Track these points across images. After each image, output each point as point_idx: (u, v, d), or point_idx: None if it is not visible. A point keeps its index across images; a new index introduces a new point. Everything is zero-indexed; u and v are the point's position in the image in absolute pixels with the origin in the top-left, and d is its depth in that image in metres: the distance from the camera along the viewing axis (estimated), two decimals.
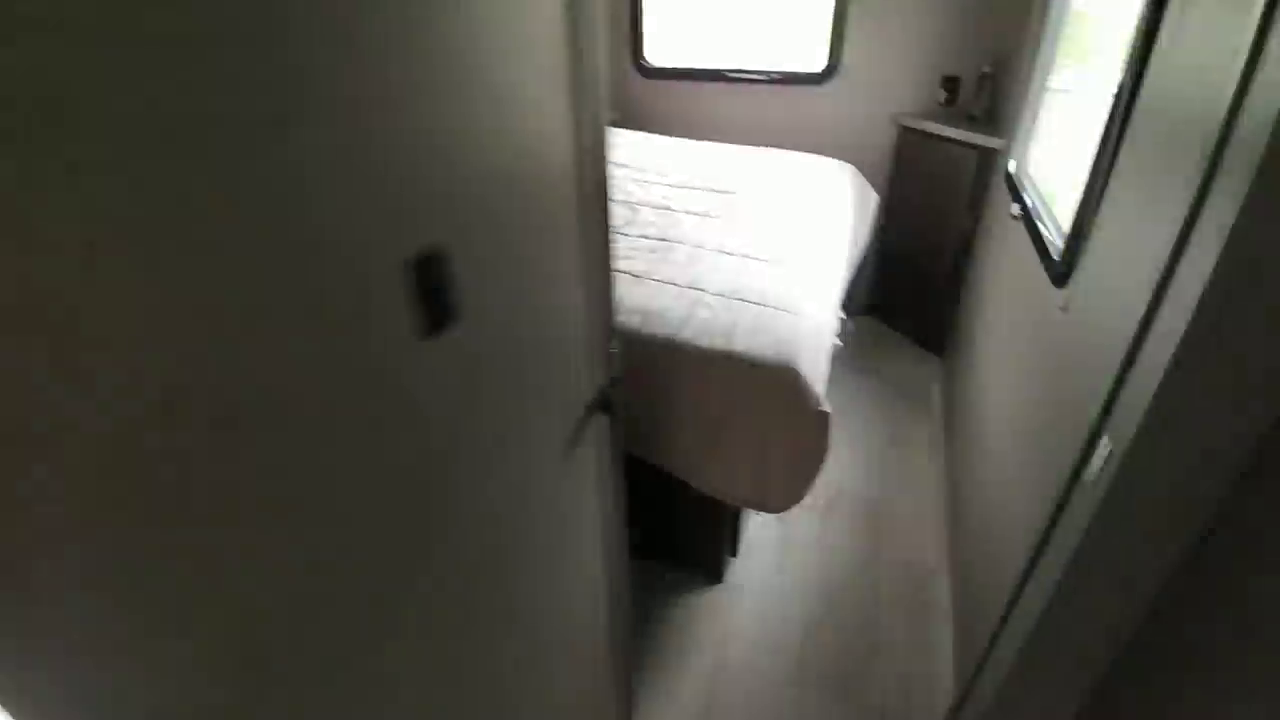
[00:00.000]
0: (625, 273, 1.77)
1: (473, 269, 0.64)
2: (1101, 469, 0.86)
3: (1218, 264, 0.69)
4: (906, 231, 3.13)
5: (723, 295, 1.66)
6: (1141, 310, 0.85)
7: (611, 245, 0.93)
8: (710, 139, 3.11)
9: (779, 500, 1.54)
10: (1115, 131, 1.28)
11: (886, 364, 3.15)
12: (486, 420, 0.71)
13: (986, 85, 2.79)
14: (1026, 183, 2.07)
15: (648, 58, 3.41)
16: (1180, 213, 0.79)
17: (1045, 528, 1.03)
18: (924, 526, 2.31)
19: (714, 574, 2.10)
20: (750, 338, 1.50)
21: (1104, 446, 0.86)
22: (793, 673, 1.85)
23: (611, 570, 1.27)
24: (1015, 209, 1.96)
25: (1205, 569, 0.85)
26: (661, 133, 3.25)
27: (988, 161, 2.61)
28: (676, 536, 2.07)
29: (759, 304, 1.63)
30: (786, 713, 1.77)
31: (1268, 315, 0.70)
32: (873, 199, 2.81)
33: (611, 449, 1.11)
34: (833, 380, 2.08)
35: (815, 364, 1.51)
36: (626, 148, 2.94)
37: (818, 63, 3.11)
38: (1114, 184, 1.29)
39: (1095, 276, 1.31)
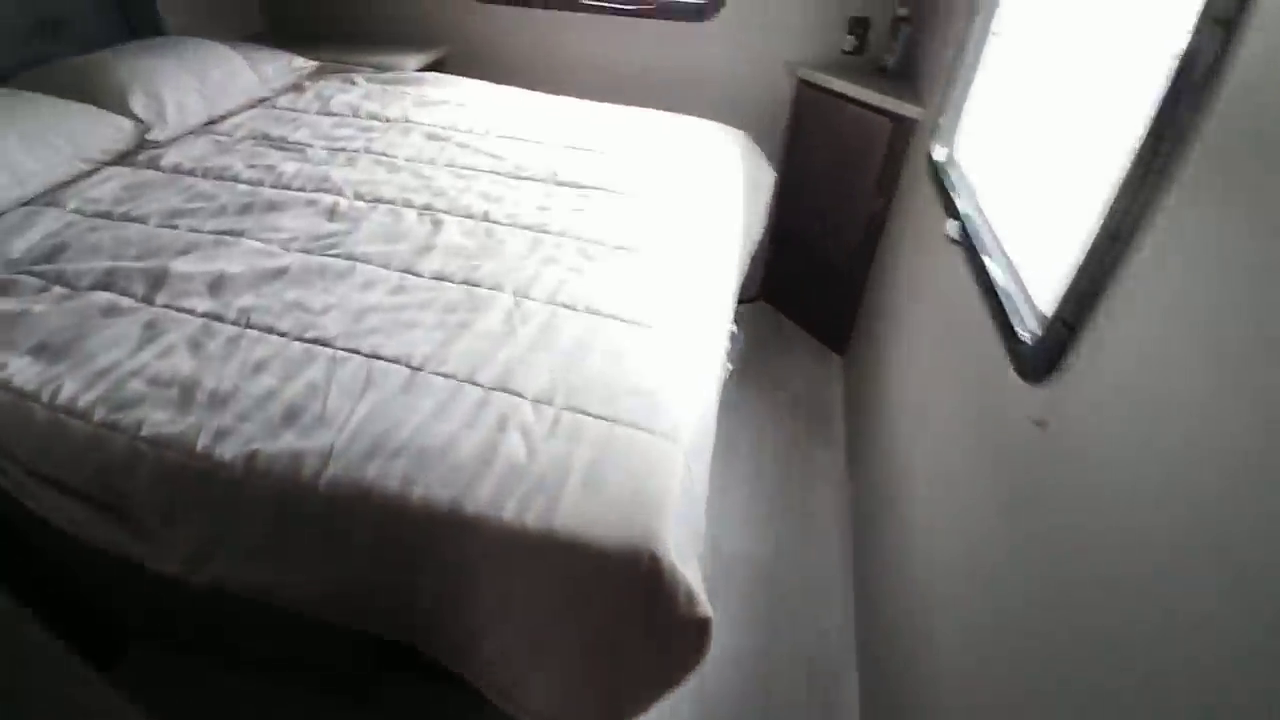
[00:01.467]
0: (397, 363, 1.12)
1: None
2: None
3: None
4: (806, 207, 2.61)
5: (549, 404, 1.05)
6: None
7: None
8: (563, 92, 2.40)
9: (625, 716, 1.02)
10: (1178, 120, 0.73)
11: (780, 365, 2.69)
12: None
13: (901, 31, 2.25)
14: (962, 186, 1.57)
15: None
16: None
17: None
18: (828, 595, 1.92)
19: None
20: (585, 498, 0.92)
21: None
22: None
23: None
24: (951, 228, 1.46)
25: None
26: (501, 79, 2.49)
27: (904, 132, 2.10)
28: None
29: (608, 418, 1.04)
30: None
31: None
32: (768, 178, 2.25)
33: None
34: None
35: (690, 525, 0.98)
36: (441, 108, 2.17)
37: None
38: (1167, 218, 0.76)
39: (1128, 401, 0.80)
